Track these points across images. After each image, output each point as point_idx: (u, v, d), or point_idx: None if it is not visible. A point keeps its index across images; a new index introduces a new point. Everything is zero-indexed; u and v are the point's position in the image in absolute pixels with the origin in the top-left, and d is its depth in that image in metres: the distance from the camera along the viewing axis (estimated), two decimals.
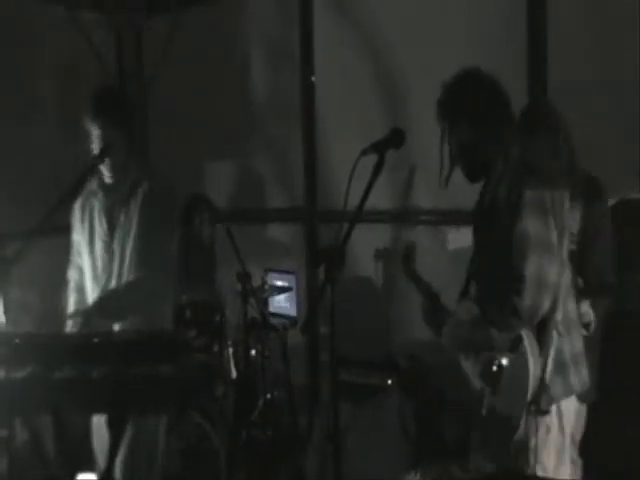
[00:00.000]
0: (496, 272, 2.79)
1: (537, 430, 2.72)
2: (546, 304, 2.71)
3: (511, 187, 2.76)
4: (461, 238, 3.27)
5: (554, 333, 2.77)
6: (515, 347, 2.74)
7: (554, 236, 2.73)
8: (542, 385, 2.71)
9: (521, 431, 2.71)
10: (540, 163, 2.93)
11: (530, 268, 2.67)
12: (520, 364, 2.72)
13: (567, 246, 2.87)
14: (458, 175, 3.02)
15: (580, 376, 2.84)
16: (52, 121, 5.61)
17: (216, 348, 4.56)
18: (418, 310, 3.24)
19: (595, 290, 3.37)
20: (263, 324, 4.93)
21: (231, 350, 4.67)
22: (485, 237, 2.93)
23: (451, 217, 4.80)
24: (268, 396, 4.82)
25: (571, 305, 2.87)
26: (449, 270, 3.84)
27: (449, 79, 2.93)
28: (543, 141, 3.37)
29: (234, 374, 4.66)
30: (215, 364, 4.29)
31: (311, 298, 5.27)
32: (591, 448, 3.30)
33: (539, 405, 2.70)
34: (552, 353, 2.75)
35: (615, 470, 3.43)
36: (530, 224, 2.70)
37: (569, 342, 2.82)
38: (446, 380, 3.53)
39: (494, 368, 2.77)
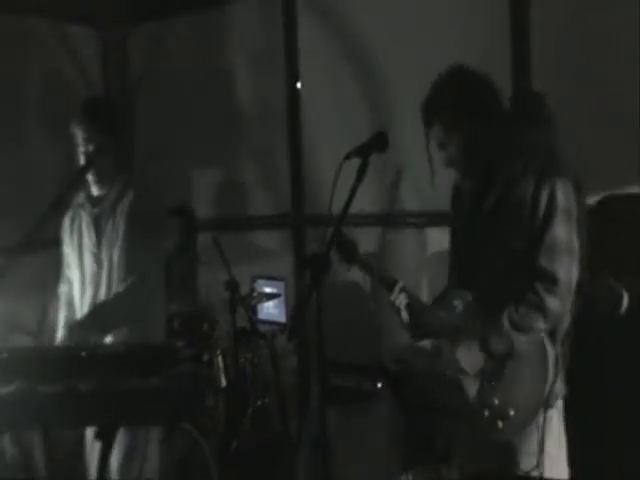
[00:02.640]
0: (508, 272, 2.80)
1: (543, 422, 2.76)
2: (569, 308, 2.78)
3: (537, 186, 2.76)
4: (446, 240, 3.25)
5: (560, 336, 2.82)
6: (537, 351, 2.76)
7: (576, 239, 2.78)
8: (553, 386, 2.75)
9: (530, 427, 2.75)
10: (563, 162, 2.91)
11: (562, 272, 2.72)
12: (541, 368, 2.75)
13: None
14: (445, 177, 3.01)
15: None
16: (39, 134, 5.60)
17: (205, 357, 4.55)
18: None
19: None
20: (252, 332, 4.93)
21: (220, 359, 4.66)
22: (489, 236, 2.89)
23: (438, 219, 4.81)
24: (259, 403, 4.81)
25: None
26: (436, 272, 3.86)
27: (437, 78, 2.90)
28: (545, 133, 3.33)
29: (224, 383, 4.65)
30: (204, 373, 4.27)
31: (297, 305, 5.27)
32: None
33: (548, 403, 2.75)
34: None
35: None
36: (562, 228, 2.74)
37: (567, 342, 2.86)
38: (435, 383, 3.52)
39: (493, 383, 2.80)
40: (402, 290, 3.01)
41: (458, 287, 2.99)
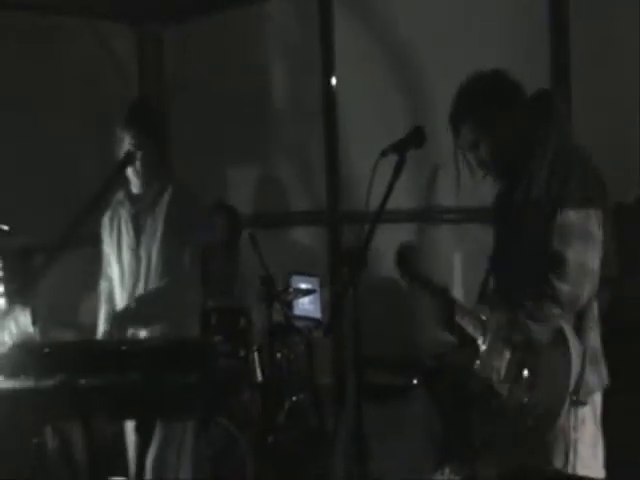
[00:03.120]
0: (529, 269, 2.78)
1: (574, 422, 2.72)
2: (586, 292, 2.69)
3: (552, 175, 2.73)
4: (485, 235, 3.24)
5: (588, 326, 2.77)
6: (557, 341, 2.71)
7: (596, 226, 2.70)
8: (581, 377, 2.69)
9: (559, 424, 2.71)
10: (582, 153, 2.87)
11: (572, 254, 2.65)
12: (563, 357, 2.70)
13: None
14: (480, 173, 3.00)
15: (605, 369, 2.83)
16: (80, 132, 5.67)
17: (242, 353, 4.58)
18: None
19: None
20: (287, 327, 4.96)
21: (256, 354, 4.68)
22: (516, 235, 2.88)
23: (475, 215, 4.80)
24: (294, 399, 4.83)
25: None
26: (472, 268, 3.84)
27: (459, 86, 2.86)
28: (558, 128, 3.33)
29: (260, 378, 4.67)
30: (241, 369, 4.32)
31: (333, 300, 5.28)
32: None
33: (578, 396, 2.69)
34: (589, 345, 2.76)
35: None
36: (574, 211, 2.68)
37: (597, 335, 2.82)
38: (472, 379, 3.52)
39: (525, 374, 2.77)
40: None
41: (496, 287, 2.97)
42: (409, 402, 4.51)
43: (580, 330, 2.75)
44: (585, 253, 2.67)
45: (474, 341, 2.92)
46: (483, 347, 2.89)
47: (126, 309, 3.57)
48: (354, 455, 2.76)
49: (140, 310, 3.53)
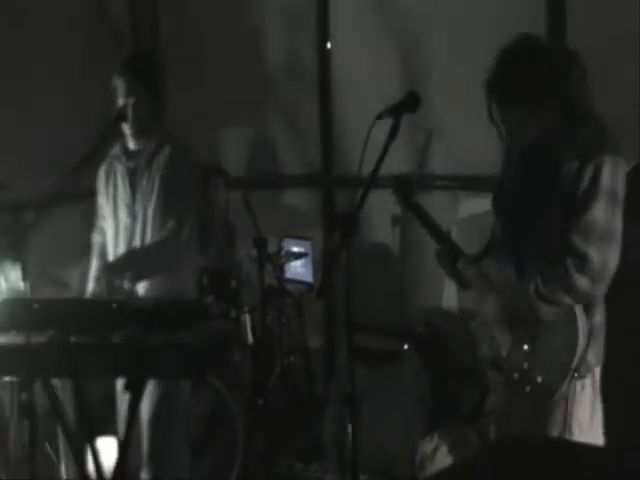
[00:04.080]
0: (545, 243, 2.75)
1: (573, 390, 2.74)
2: (603, 290, 2.72)
3: (582, 161, 2.67)
4: (477, 204, 3.22)
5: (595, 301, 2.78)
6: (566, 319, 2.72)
7: (620, 221, 2.69)
8: (585, 354, 2.71)
9: (559, 395, 2.73)
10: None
11: (595, 253, 2.64)
12: (570, 334, 2.71)
13: None
14: (474, 141, 2.99)
15: (603, 344, 2.85)
16: (72, 88, 5.59)
17: (233, 314, 4.58)
18: (434, 276, 3.21)
19: None
20: (279, 290, 4.95)
21: (248, 316, 4.69)
22: (532, 206, 2.82)
23: (468, 183, 4.79)
24: (285, 362, 4.85)
25: None
26: (466, 236, 3.84)
27: (500, 53, 2.74)
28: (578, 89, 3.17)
29: (251, 340, 4.68)
30: (232, 330, 4.31)
31: (326, 262, 5.28)
32: None
33: (579, 372, 2.72)
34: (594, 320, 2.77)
35: None
36: (602, 211, 2.65)
37: (601, 311, 2.83)
38: (462, 345, 3.52)
39: (525, 347, 2.78)
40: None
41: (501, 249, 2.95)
42: (399, 367, 4.52)
43: (587, 305, 2.74)
44: (608, 255, 2.66)
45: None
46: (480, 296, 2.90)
47: (121, 259, 3.56)
48: (344, 419, 2.77)
49: (135, 262, 3.52)
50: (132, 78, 3.52)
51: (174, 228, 3.52)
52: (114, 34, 5.81)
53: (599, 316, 2.81)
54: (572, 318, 2.71)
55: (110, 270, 3.49)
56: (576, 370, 2.70)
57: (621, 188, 2.69)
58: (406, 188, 3.12)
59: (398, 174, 2.92)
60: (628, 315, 3.36)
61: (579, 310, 2.72)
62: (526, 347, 2.78)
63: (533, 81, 2.72)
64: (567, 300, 2.69)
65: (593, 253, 2.64)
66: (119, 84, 3.54)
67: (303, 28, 5.74)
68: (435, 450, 4.17)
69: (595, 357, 2.79)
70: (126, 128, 3.59)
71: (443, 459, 4.09)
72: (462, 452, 4.03)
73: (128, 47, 5.83)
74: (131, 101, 3.52)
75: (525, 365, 2.76)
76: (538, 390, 2.74)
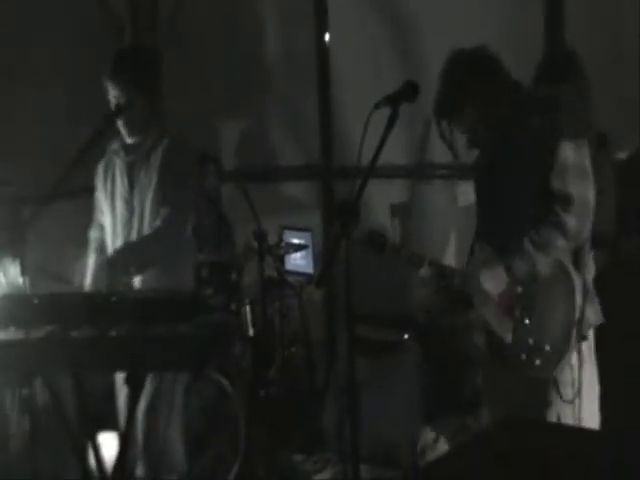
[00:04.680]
0: (527, 205, 2.87)
1: (577, 359, 2.84)
2: (588, 226, 2.82)
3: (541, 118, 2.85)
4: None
5: (584, 262, 2.88)
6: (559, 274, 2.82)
7: (588, 159, 2.84)
8: (583, 310, 2.81)
9: (566, 360, 2.80)
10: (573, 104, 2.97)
11: (575, 190, 2.77)
12: (566, 289, 2.82)
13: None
14: None
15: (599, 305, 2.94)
16: (69, 83, 5.57)
17: (233, 306, 4.57)
18: None
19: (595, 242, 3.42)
20: (280, 282, 4.95)
21: (248, 308, 4.68)
22: (507, 179, 2.96)
23: (468, 172, 4.77)
24: (285, 353, 4.84)
25: None
26: (465, 225, 3.83)
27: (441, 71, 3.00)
28: (572, 86, 3.44)
29: (251, 332, 4.68)
30: (232, 322, 4.31)
31: (326, 252, 5.28)
32: None
33: (582, 330, 2.80)
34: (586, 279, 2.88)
35: None
36: (569, 149, 2.79)
37: (591, 272, 2.94)
38: (461, 334, 3.53)
39: (526, 322, 2.85)
40: (431, 264, 3.06)
41: (483, 230, 3.06)
42: (400, 357, 4.52)
43: (577, 266, 2.85)
44: (585, 189, 2.80)
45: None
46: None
47: (119, 253, 3.54)
48: (345, 409, 2.78)
49: (133, 254, 3.51)
50: (121, 79, 3.50)
51: (168, 216, 3.52)
52: (114, 29, 5.81)
53: (590, 277, 2.92)
54: (564, 271, 2.83)
55: (113, 265, 3.48)
56: (578, 328, 2.78)
57: (584, 154, 2.84)
58: (350, 214, 3.07)
59: (341, 200, 2.93)
60: (627, 303, 3.41)
61: (572, 268, 2.83)
62: (527, 321, 2.86)
63: (470, 81, 2.95)
64: (561, 241, 2.80)
65: (573, 190, 2.77)
66: (109, 85, 3.52)
67: (302, 19, 5.72)
68: (436, 439, 4.18)
69: (594, 315, 2.89)
70: (121, 127, 3.58)
71: (444, 448, 4.10)
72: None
73: (128, 41, 5.83)
74: (122, 101, 3.50)
75: (531, 340, 2.84)
76: (549, 358, 2.81)
